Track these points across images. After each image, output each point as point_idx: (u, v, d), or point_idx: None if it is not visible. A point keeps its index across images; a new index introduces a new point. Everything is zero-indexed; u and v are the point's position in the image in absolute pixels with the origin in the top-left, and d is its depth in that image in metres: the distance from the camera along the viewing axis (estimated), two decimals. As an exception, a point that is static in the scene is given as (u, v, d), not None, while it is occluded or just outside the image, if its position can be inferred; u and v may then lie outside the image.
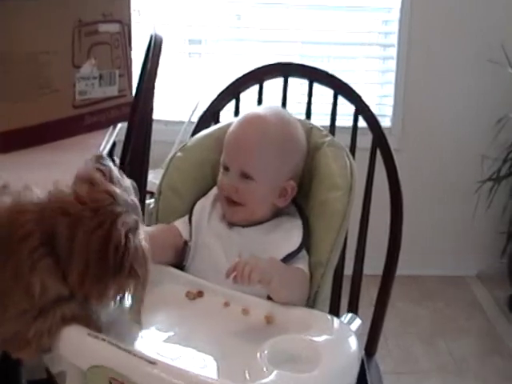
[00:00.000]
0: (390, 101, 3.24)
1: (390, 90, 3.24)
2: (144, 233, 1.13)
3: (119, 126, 1.93)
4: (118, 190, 1.12)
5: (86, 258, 1.06)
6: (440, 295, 3.24)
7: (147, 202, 2.15)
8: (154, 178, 2.20)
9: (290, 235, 1.41)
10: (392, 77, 3.22)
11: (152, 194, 2.25)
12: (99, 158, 1.16)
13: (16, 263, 1.06)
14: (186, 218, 1.48)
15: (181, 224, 1.48)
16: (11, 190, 1.13)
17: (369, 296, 1.74)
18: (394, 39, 3.18)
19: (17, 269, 1.06)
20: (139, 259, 1.09)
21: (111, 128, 1.88)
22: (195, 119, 2.58)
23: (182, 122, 2.91)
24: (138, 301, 1.13)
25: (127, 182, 1.17)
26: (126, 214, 1.10)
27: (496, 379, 2.66)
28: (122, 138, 1.95)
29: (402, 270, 1.67)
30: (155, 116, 1.97)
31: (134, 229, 1.10)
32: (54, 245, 1.07)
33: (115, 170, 1.16)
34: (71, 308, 1.13)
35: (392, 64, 3.22)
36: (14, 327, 1.09)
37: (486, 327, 3.01)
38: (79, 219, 1.07)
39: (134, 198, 1.15)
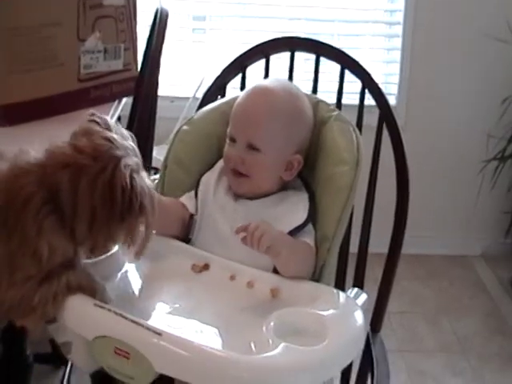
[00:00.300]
0: (396, 79, 3.23)
1: (396, 68, 3.22)
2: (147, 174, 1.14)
3: (124, 100, 1.93)
4: (115, 136, 1.11)
5: (92, 206, 1.06)
6: (444, 274, 3.24)
7: (152, 177, 2.14)
8: (158, 154, 2.20)
9: (296, 208, 1.40)
10: (397, 55, 3.20)
11: (156, 170, 2.25)
12: (92, 113, 1.15)
13: (22, 228, 1.06)
14: (192, 192, 1.48)
15: (186, 199, 1.47)
16: (7, 156, 1.12)
17: (373, 275, 1.73)
18: (399, 17, 3.16)
19: (23, 234, 1.06)
20: (147, 197, 1.09)
21: (116, 102, 1.87)
22: (200, 95, 2.57)
23: (187, 98, 2.90)
24: (147, 238, 1.13)
25: (124, 131, 1.17)
26: (127, 157, 1.09)
27: (499, 359, 2.67)
28: (127, 112, 1.94)
29: (406, 248, 1.66)
30: (160, 92, 1.96)
31: (137, 170, 1.10)
32: (58, 201, 1.06)
33: (110, 120, 1.15)
34: (77, 276, 1.13)
35: (397, 42, 3.20)
36: (19, 293, 1.09)
37: (489, 307, 3.01)
38: (80, 169, 1.06)
39: (132, 143, 1.15)
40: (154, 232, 1.15)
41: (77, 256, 1.15)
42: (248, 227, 1.25)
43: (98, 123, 1.13)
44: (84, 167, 1.06)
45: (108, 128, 1.13)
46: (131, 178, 1.07)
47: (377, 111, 1.64)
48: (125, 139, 1.14)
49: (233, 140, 1.43)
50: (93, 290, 1.14)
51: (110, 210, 1.06)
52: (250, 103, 1.44)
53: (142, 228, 1.11)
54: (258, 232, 1.24)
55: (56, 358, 2.06)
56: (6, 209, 1.07)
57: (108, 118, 1.16)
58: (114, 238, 1.11)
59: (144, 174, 1.13)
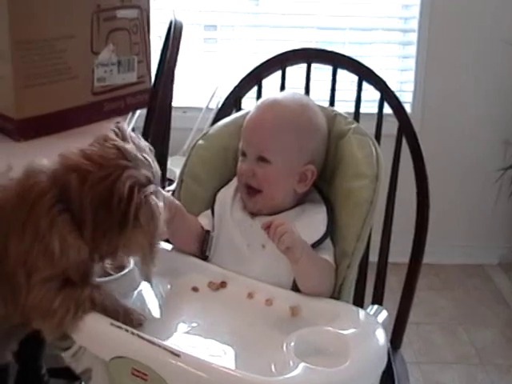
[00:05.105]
0: (411, 87, 3.20)
1: (411, 75, 3.19)
2: (160, 192, 1.15)
3: (138, 112, 1.91)
4: (127, 146, 1.13)
5: (94, 212, 1.08)
6: (461, 284, 3.20)
7: (166, 188, 2.13)
8: (172, 165, 2.19)
9: (314, 222, 1.38)
10: (412, 62, 3.18)
11: (171, 181, 2.23)
12: (117, 123, 1.19)
13: (35, 222, 1.08)
14: (209, 211, 1.46)
15: (203, 217, 1.46)
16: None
17: (388, 284, 1.70)
18: (414, 24, 3.13)
19: (36, 229, 1.08)
20: (145, 212, 1.09)
21: (130, 114, 1.86)
22: (213, 106, 2.55)
23: (199, 109, 2.87)
24: (149, 254, 1.13)
25: (143, 142, 1.18)
26: (134, 169, 1.10)
27: (518, 369, 2.63)
28: (140, 124, 1.92)
29: (422, 258, 1.65)
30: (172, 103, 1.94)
31: (143, 183, 1.10)
32: (69, 202, 1.09)
33: (129, 130, 1.17)
34: (102, 296, 1.13)
35: (412, 49, 3.17)
36: (39, 293, 1.10)
37: (507, 316, 2.97)
38: (87, 173, 1.09)
39: (147, 156, 1.16)
40: (158, 247, 1.15)
41: (93, 261, 1.15)
42: (273, 222, 1.25)
43: (115, 133, 1.15)
44: (88, 173, 1.09)
45: (124, 137, 1.15)
46: (131, 189, 1.07)
47: (394, 119, 1.63)
48: (140, 151, 1.15)
49: (244, 154, 1.43)
50: (116, 314, 1.12)
51: (108, 218, 1.08)
52: (259, 117, 1.43)
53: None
54: (281, 228, 1.23)
55: (71, 372, 2.04)
56: (19, 205, 1.10)
57: (127, 128, 1.18)
58: (116, 247, 1.12)
59: (154, 188, 1.12)
